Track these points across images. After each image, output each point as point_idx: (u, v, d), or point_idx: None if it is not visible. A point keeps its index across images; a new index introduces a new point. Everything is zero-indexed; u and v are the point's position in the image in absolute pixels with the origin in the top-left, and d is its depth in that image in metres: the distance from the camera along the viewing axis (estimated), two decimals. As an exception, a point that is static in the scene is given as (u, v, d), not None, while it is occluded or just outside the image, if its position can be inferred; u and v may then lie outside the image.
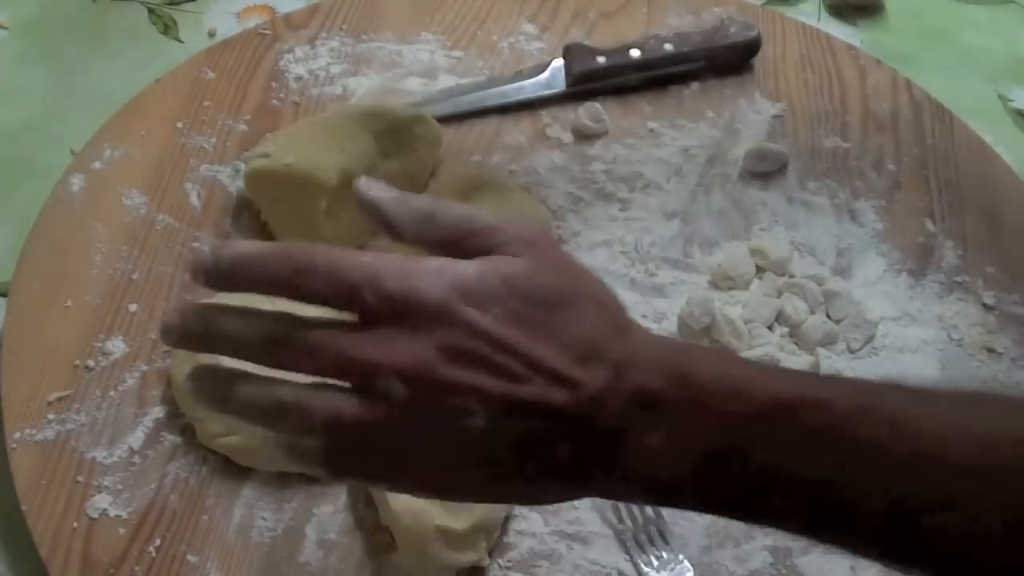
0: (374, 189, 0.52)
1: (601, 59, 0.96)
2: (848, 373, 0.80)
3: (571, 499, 0.60)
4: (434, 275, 0.48)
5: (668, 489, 0.51)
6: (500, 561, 0.71)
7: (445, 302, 0.48)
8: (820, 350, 0.81)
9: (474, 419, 0.48)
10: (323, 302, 0.50)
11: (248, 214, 0.87)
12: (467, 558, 0.69)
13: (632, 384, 0.49)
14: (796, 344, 0.82)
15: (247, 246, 0.51)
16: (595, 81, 0.96)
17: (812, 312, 0.83)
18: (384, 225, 0.52)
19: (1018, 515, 0.48)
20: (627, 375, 0.49)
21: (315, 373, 0.50)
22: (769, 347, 0.80)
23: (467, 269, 0.49)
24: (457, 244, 0.51)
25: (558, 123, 0.95)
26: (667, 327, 0.83)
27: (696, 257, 0.87)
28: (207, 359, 0.73)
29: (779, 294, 0.84)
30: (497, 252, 0.50)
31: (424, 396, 0.48)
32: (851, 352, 0.82)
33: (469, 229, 0.51)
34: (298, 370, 0.50)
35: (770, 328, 0.82)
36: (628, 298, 0.84)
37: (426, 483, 0.52)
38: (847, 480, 0.49)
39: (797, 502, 0.50)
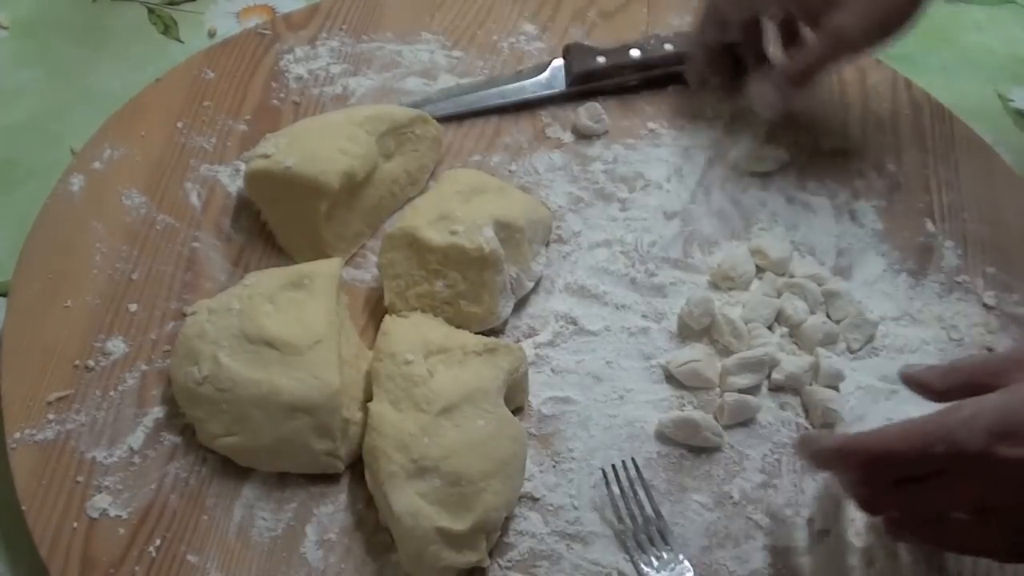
0: (916, 371, 0.68)
1: (601, 59, 0.96)
2: (848, 373, 0.80)
3: None
4: (967, 424, 0.60)
5: None
6: (500, 561, 0.71)
7: (991, 448, 0.59)
8: (820, 350, 0.81)
9: None
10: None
11: (248, 214, 0.87)
12: (467, 558, 0.69)
13: None
14: (796, 344, 0.82)
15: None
16: (595, 81, 0.96)
17: (812, 312, 0.83)
18: (920, 387, 0.67)
19: None
20: None
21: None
22: (769, 347, 0.80)
23: (995, 408, 0.60)
24: (975, 388, 0.63)
25: (558, 123, 0.95)
26: (667, 327, 0.83)
27: (696, 257, 0.87)
28: (208, 360, 0.73)
29: (779, 294, 0.84)
30: (1004, 384, 0.61)
31: (985, 516, 0.62)
32: (851, 352, 0.82)
33: (985, 370, 0.63)
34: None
35: (770, 328, 0.82)
36: (628, 298, 0.84)
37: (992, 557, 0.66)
38: None
39: None
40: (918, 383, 0.68)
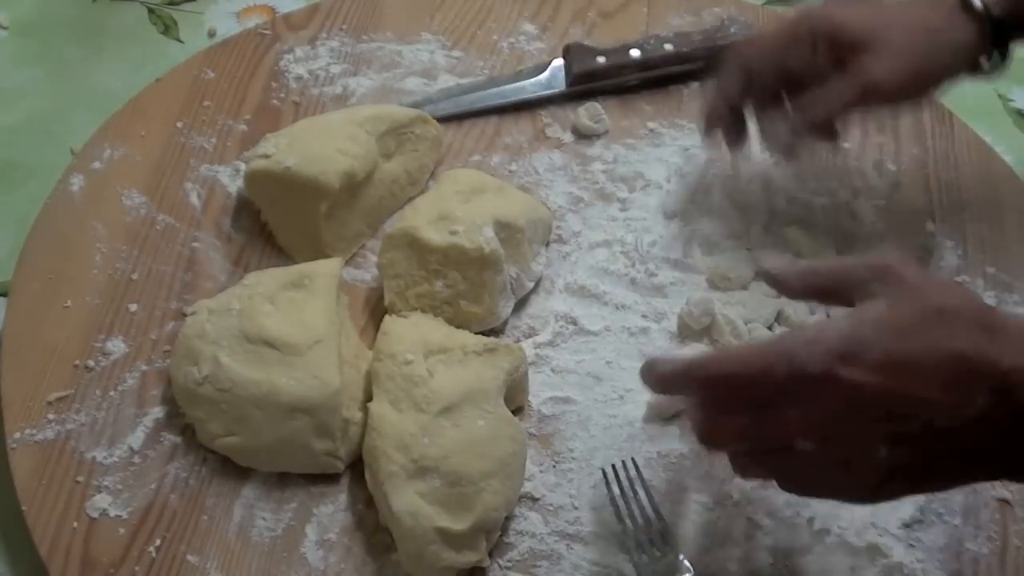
0: (776, 268, 0.68)
1: (601, 59, 0.96)
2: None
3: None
4: (809, 345, 0.58)
5: None
6: (500, 561, 0.71)
7: (827, 368, 0.57)
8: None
9: (877, 453, 0.58)
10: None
11: (248, 214, 0.87)
12: (467, 558, 0.69)
13: (1018, 396, 0.56)
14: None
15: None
16: (595, 81, 0.96)
17: (812, 312, 0.83)
18: (775, 283, 0.66)
19: None
20: (1011, 387, 0.56)
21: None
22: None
23: (839, 330, 0.58)
24: (832, 294, 0.63)
25: (558, 123, 0.95)
26: (667, 327, 0.83)
27: (696, 257, 0.87)
28: (208, 360, 0.73)
29: (779, 294, 0.84)
30: (860, 300, 0.60)
31: (828, 446, 0.59)
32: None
33: (843, 277, 0.62)
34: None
35: (770, 328, 0.82)
36: (628, 298, 0.84)
37: (839, 496, 0.64)
38: None
39: None
40: (774, 280, 0.67)
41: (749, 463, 0.64)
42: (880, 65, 0.77)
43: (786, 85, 0.82)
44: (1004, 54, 0.80)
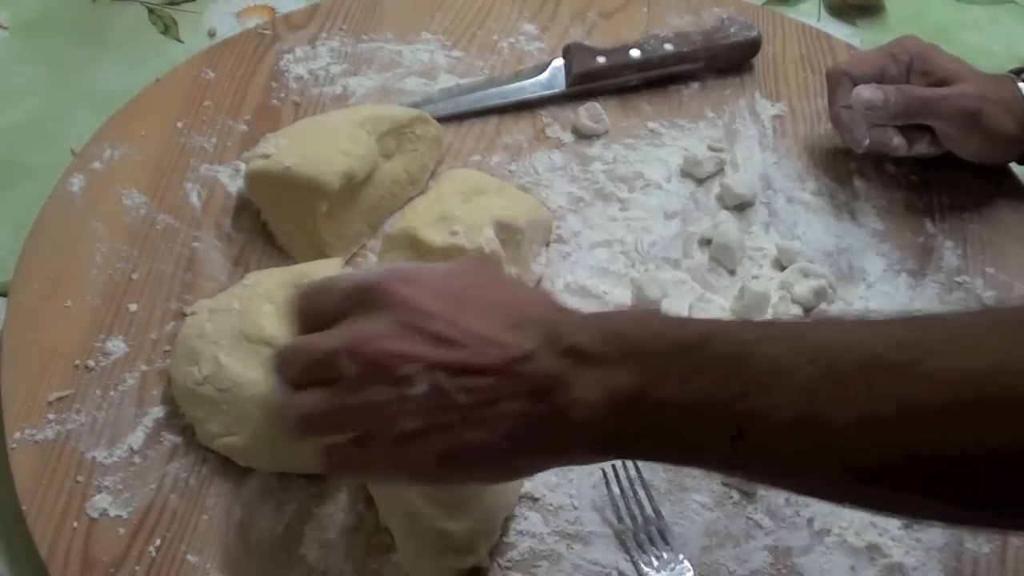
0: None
1: (601, 59, 0.96)
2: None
3: (536, 467, 0.62)
4: (377, 269, 0.58)
5: (606, 438, 0.56)
6: (500, 561, 0.71)
7: (384, 282, 0.57)
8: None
9: (417, 385, 0.55)
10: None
11: (248, 214, 0.87)
12: (467, 559, 0.69)
13: (564, 343, 0.56)
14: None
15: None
16: (595, 81, 0.96)
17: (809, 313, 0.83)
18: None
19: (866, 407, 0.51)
20: (560, 336, 0.56)
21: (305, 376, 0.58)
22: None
23: (409, 264, 0.59)
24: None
25: (558, 123, 0.95)
26: (667, 327, 0.83)
27: (696, 257, 0.87)
28: (208, 360, 0.73)
29: (777, 292, 0.84)
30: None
31: (371, 369, 0.55)
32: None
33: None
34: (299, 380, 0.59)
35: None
36: (628, 298, 0.84)
37: (400, 465, 0.58)
38: (753, 396, 0.53)
39: (704, 429, 0.55)
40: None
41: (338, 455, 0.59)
42: (960, 88, 0.87)
43: None
44: None
